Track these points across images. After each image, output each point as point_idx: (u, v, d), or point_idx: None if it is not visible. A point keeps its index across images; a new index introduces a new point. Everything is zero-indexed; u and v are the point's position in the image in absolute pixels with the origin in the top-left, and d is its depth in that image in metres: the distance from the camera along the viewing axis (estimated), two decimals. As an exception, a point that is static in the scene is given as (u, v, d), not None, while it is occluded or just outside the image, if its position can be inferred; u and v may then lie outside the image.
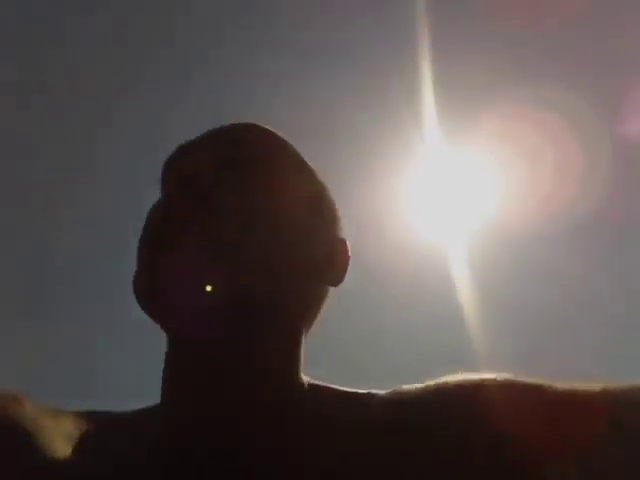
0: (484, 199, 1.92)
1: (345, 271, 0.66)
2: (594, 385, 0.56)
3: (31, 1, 2.55)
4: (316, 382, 0.63)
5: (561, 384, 0.57)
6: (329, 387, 0.63)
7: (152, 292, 0.58)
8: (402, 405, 0.59)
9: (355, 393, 0.62)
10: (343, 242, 0.67)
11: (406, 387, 0.61)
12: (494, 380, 0.58)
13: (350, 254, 0.67)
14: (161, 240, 0.58)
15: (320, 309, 0.65)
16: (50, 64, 2.65)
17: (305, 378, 0.62)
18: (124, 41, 2.65)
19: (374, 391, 0.62)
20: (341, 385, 0.64)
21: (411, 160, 2.00)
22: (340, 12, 2.40)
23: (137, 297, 0.60)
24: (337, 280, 0.66)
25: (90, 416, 0.63)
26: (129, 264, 0.61)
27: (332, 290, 0.66)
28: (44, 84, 2.66)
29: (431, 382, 0.60)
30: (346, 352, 2.61)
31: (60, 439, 0.59)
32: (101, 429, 0.62)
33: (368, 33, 2.39)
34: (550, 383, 0.57)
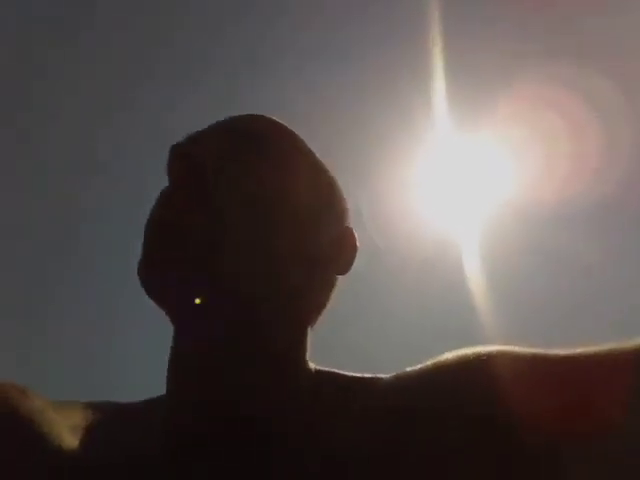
0: (497, 185, 1.91)
1: (353, 260, 0.66)
2: (596, 348, 0.54)
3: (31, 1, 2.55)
4: (322, 368, 0.63)
5: (566, 351, 0.55)
6: (335, 372, 0.63)
7: (152, 281, 0.58)
8: (403, 389, 0.58)
9: (360, 378, 0.62)
10: (350, 231, 0.67)
11: (408, 369, 0.61)
12: (494, 352, 0.57)
13: (357, 243, 0.67)
14: (161, 232, 0.58)
15: (328, 297, 0.65)
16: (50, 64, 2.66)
17: (311, 365, 0.62)
18: (126, 40, 2.64)
19: (378, 375, 0.62)
20: (351, 371, 0.64)
21: (422, 146, 1.99)
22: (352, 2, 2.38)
23: (140, 282, 0.60)
24: (344, 269, 0.66)
25: (97, 406, 0.63)
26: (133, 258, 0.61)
27: (345, 278, 0.66)
28: (44, 84, 2.66)
29: (429, 362, 0.60)
30: (358, 339, 2.62)
31: (67, 430, 0.59)
32: (108, 419, 0.62)
33: (379, 19, 2.37)
34: (554, 351, 0.55)
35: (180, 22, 2.66)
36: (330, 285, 0.66)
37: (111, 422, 0.61)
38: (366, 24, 2.40)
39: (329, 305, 0.66)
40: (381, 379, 0.62)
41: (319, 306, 0.65)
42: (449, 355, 0.59)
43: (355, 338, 2.60)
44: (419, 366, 0.60)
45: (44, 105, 2.68)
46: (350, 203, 0.70)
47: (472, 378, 0.56)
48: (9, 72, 2.57)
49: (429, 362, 0.60)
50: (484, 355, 0.57)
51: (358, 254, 0.67)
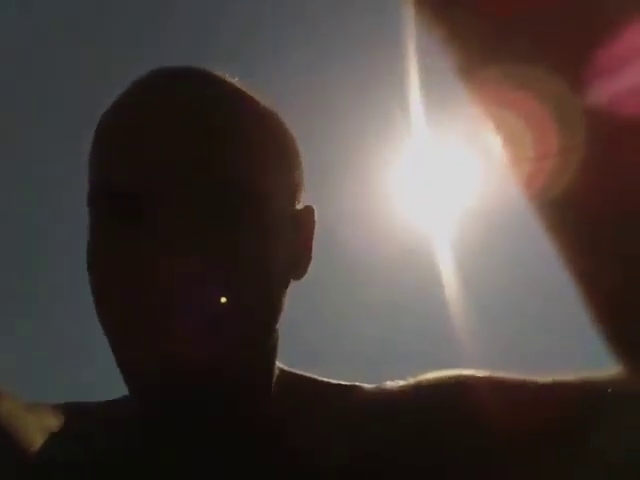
0: (469, 185, 1.92)
1: (308, 265, 0.60)
2: (575, 376, 0.56)
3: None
4: (292, 370, 0.62)
5: (542, 378, 0.57)
6: (306, 376, 0.62)
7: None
8: (384, 400, 0.59)
9: (336, 384, 0.62)
10: (309, 243, 0.60)
11: (389, 383, 0.61)
12: (473, 376, 0.58)
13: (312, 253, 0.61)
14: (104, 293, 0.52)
15: (284, 301, 0.59)
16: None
17: (278, 365, 0.61)
18: (123, 38, 2.61)
19: (358, 384, 0.62)
20: (322, 375, 0.63)
21: (396, 147, 2.00)
22: (328, 7, 2.38)
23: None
24: (302, 275, 0.60)
25: (68, 408, 0.63)
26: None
27: (319, 278, 0.64)
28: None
29: (412, 379, 0.60)
30: (330, 338, 2.62)
31: (39, 433, 0.58)
32: (79, 420, 0.61)
33: (354, 24, 2.38)
34: (531, 377, 0.58)
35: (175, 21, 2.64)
36: (285, 290, 0.58)
37: (81, 422, 0.61)
38: (341, 28, 2.40)
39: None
40: (361, 388, 0.61)
41: (279, 313, 0.58)
42: (431, 374, 0.60)
43: (325, 337, 2.61)
44: (401, 382, 0.61)
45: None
46: (319, 206, 0.62)
47: (453, 399, 0.57)
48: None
49: (411, 379, 0.61)
50: (465, 378, 0.58)
51: (324, 257, 0.63)
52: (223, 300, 0.51)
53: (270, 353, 0.59)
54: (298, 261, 0.59)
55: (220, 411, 0.53)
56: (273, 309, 0.56)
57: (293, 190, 0.59)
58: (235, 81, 0.58)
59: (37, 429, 0.59)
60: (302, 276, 0.60)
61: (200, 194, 0.51)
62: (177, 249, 0.49)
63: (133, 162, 0.51)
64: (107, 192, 0.52)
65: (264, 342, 0.57)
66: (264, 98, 0.59)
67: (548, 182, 0.32)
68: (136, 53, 2.56)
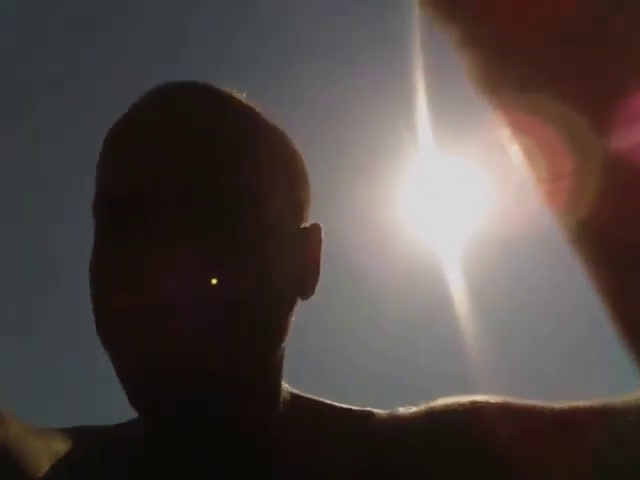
0: (480, 206, 1.92)
1: (316, 284, 0.59)
2: (590, 402, 0.55)
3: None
4: (301, 394, 0.61)
5: (556, 404, 0.56)
6: (316, 400, 0.61)
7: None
8: (396, 427, 0.58)
9: (348, 409, 0.61)
10: (316, 261, 0.59)
11: (401, 410, 0.60)
12: (487, 402, 0.57)
13: (320, 271, 0.59)
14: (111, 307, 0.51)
15: (290, 319, 0.57)
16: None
17: (287, 389, 0.59)
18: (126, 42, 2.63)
19: (370, 410, 0.61)
20: (332, 395, 0.62)
21: (404, 166, 2.00)
22: (336, 19, 2.40)
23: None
24: (310, 294, 0.59)
25: (75, 432, 0.62)
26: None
27: (329, 297, 0.63)
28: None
29: (424, 406, 0.59)
30: (339, 356, 2.60)
31: (45, 457, 0.58)
32: (86, 445, 0.60)
33: (363, 40, 2.39)
34: (547, 403, 0.56)
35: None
36: (292, 310, 0.57)
37: (89, 447, 0.60)
38: (349, 44, 2.42)
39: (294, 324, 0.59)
40: (372, 414, 0.60)
41: (285, 334, 0.57)
42: (444, 400, 0.59)
43: (333, 357, 2.59)
44: (413, 409, 0.60)
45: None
46: (327, 224, 0.61)
47: (466, 426, 0.56)
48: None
49: (423, 406, 0.60)
50: (479, 404, 0.57)
51: (333, 275, 0.62)
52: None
53: (274, 370, 0.58)
54: (305, 280, 0.58)
55: (220, 416, 0.52)
56: (277, 324, 0.55)
57: (298, 207, 0.58)
58: (241, 96, 0.58)
59: (44, 454, 0.58)
60: (310, 295, 0.59)
61: (202, 202, 0.51)
62: (177, 253, 0.49)
63: (136, 170, 0.52)
64: (110, 198, 0.53)
65: (267, 355, 0.56)
66: (271, 114, 0.59)
67: (568, 203, 0.31)
68: (147, 68, 2.58)
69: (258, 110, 0.58)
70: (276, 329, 0.55)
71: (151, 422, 0.53)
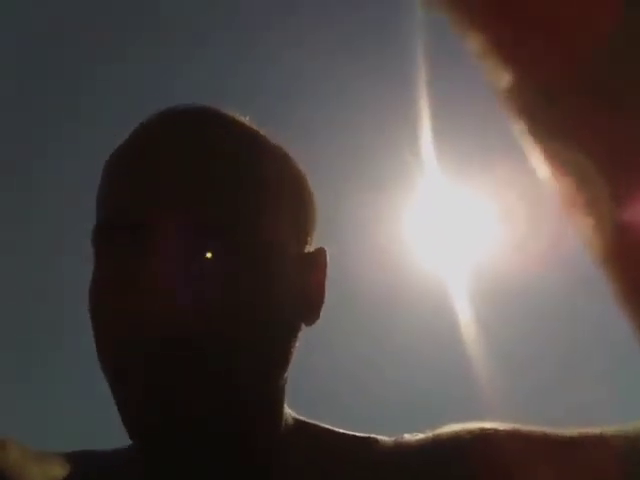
0: (486, 233, 1.92)
1: (320, 309, 0.58)
2: (602, 429, 0.54)
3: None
4: (304, 419, 0.60)
5: (568, 430, 0.55)
6: (319, 426, 0.60)
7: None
8: (402, 453, 0.57)
9: (352, 435, 0.60)
10: (320, 286, 0.58)
11: (407, 436, 0.59)
12: (495, 429, 0.56)
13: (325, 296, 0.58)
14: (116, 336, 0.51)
15: (294, 345, 0.57)
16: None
17: (290, 413, 0.58)
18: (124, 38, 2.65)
19: (374, 436, 0.60)
20: (332, 421, 0.61)
21: (411, 193, 2.00)
22: (339, 40, 2.42)
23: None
24: (314, 320, 0.58)
25: (75, 457, 0.61)
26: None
27: (334, 320, 0.62)
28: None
29: (431, 432, 0.58)
30: (343, 383, 2.58)
31: None
32: (86, 470, 0.60)
33: (366, 66, 2.41)
34: (556, 430, 0.55)
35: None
36: (297, 335, 0.57)
37: (90, 472, 0.59)
38: (351, 71, 2.44)
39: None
40: (377, 440, 0.59)
41: (289, 360, 0.56)
42: (451, 427, 0.58)
43: (339, 380, 2.57)
44: (420, 435, 0.59)
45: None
46: (332, 251, 0.60)
47: (474, 453, 0.55)
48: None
49: (430, 433, 0.59)
50: (488, 431, 0.56)
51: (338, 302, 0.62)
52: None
53: (277, 397, 0.57)
54: (309, 305, 0.57)
55: (221, 445, 0.52)
56: (280, 352, 0.55)
57: (303, 231, 0.58)
58: (245, 120, 0.58)
59: (43, 478, 0.57)
60: (314, 321, 0.58)
61: (201, 229, 0.51)
62: (177, 280, 0.49)
63: (137, 196, 0.52)
64: (110, 224, 0.53)
65: (270, 383, 0.55)
66: (275, 138, 0.59)
67: (587, 238, 0.30)
68: (147, 93, 2.60)
69: (262, 133, 0.58)
70: (279, 357, 0.55)
71: (150, 451, 0.52)
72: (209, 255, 0.51)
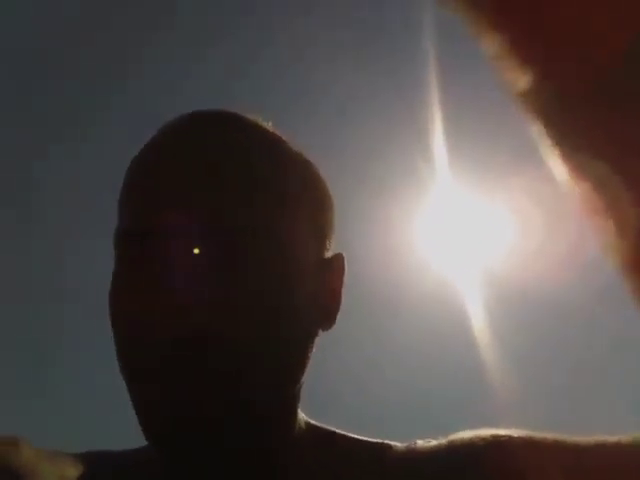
0: (497, 238, 1.91)
1: (337, 315, 0.58)
2: (619, 438, 0.53)
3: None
4: (317, 424, 0.60)
5: (582, 438, 0.55)
6: (332, 430, 0.60)
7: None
8: (415, 460, 0.57)
9: (365, 441, 0.60)
10: (338, 292, 0.58)
11: (420, 442, 0.59)
12: (509, 435, 0.56)
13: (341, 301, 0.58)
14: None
15: (311, 351, 0.57)
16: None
17: (303, 418, 0.58)
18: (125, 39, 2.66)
19: (388, 442, 0.60)
20: (344, 425, 0.61)
21: (423, 198, 2.00)
22: (350, 45, 2.42)
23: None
24: (331, 326, 0.58)
25: (90, 457, 0.61)
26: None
27: (348, 326, 0.61)
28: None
29: (444, 439, 0.58)
30: (355, 388, 2.58)
31: None
32: (101, 470, 0.60)
33: (378, 68, 2.41)
34: (570, 437, 0.55)
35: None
36: (314, 341, 0.57)
37: (103, 472, 0.59)
38: (364, 77, 2.44)
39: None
40: (391, 446, 0.59)
41: (305, 365, 0.56)
42: (464, 434, 0.58)
43: (351, 385, 2.57)
44: (433, 442, 0.59)
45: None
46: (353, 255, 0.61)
47: (487, 460, 0.55)
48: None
49: (442, 439, 0.58)
50: (501, 437, 0.56)
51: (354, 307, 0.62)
52: (232, 315, 0.50)
53: (292, 401, 0.57)
54: (326, 311, 0.57)
55: (235, 448, 0.52)
56: (297, 358, 0.55)
57: (321, 237, 0.58)
58: (266, 125, 0.58)
59: (56, 478, 0.58)
60: (330, 327, 0.58)
61: (218, 236, 0.51)
62: (195, 287, 0.49)
63: (152, 201, 0.52)
64: (130, 231, 0.53)
65: (286, 388, 0.55)
66: (295, 143, 0.59)
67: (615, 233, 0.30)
68: (171, 94, 2.61)
69: (283, 139, 0.57)
70: (295, 361, 0.55)
71: (165, 452, 0.52)
72: (223, 258, 0.51)
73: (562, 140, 0.30)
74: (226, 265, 0.50)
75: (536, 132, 0.30)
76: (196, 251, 0.50)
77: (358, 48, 2.43)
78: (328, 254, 0.59)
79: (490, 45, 0.29)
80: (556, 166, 0.30)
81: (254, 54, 2.66)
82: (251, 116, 0.58)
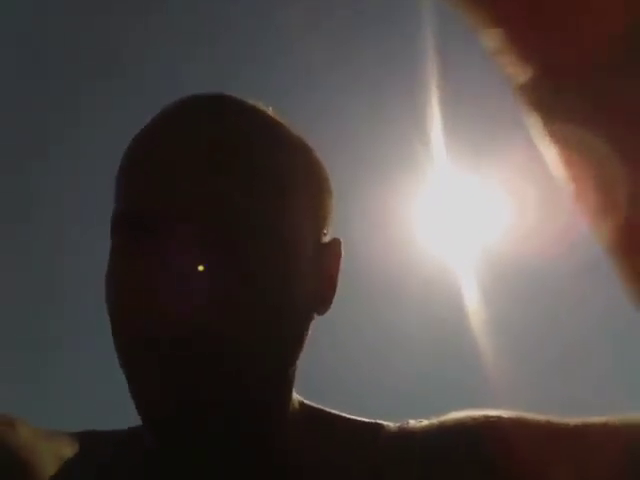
0: (494, 219, 1.91)
1: (332, 299, 0.58)
2: (607, 418, 0.54)
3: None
4: (311, 404, 0.60)
5: (572, 419, 0.55)
6: (325, 410, 0.61)
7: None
8: (407, 439, 0.57)
9: (358, 421, 0.61)
10: (334, 277, 0.58)
11: (412, 422, 0.60)
12: (499, 416, 0.57)
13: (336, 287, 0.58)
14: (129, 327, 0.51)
15: (306, 336, 0.57)
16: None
17: (295, 397, 0.59)
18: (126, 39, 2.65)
19: (380, 422, 0.60)
20: (342, 407, 0.62)
21: (419, 180, 2.00)
22: (349, 30, 2.41)
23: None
24: (326, 310, 0.58)
25: (86, 436, 0.62)
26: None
27: (342, 307, 0.60)
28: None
29: (436, 419, 0.59)
30: (351, 369, 2.59)
31: (56, 463, 0.58)
32: (97, 449, 0.60)
33: (376, 53, 2.40)
34: (560, 418, 0.56)
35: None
36: (309, 325, 0.57)
37: (99, 451, 0.60)
38: (363, 57, 2.43)
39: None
40: (383, 426, 0.60)
41: (300, 349, 0.56)
42: (456, 414, 0.58)
43: (347, 368, 2.58)
44: (425, 422, 0.59)
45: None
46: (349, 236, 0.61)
47: (478, 440, 0.55)
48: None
49: (434, 419, 0.59)
50: (492, 418, 0.57)
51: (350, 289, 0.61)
52: (230, 300, 0.50)
53: (287, 384, 0.57)
54: (322, 295, 0.57)
55: (232, 431, 0.52)
56: (294, 342, 0.55)
57: (320, 222, 0.57)
58: (267, 109, 0.57)
59: (53, 457, 0.58)
60: (326, 310, 0.58)
61: (217, 221, 0.50)
62: (193, 271, 0.49)
63: (154, 188, 0.51)
64: (127, 215, 0.52)
65: (281, 371, 0.55)
66: (295, 127, 0.58)
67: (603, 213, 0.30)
68: (171, 77, 2.60)
69: (284, 124, 0.57)
70: (292, 349, 0.55)
71: (163, 438, 0.52)
72: (225, 256, 0.50)
73: (558, 120, 0.30)
74: (227, 263, 0.50)
75: (531, 116, 0.31)
76: (196, 249, 0.50)
77: (356, 32, 2.42)
78: (326, 239, 0.58)
79: (489, 39, 0.29)
80: (549, 147, 0.31)
81: (253, 37, 2.64)
82: (251, 100, 0.57)
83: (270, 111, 0.57)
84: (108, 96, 2.64)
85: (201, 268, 0.49)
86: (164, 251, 0.49)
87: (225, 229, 0.50)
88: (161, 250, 0.50)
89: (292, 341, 0.54)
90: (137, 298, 0.50)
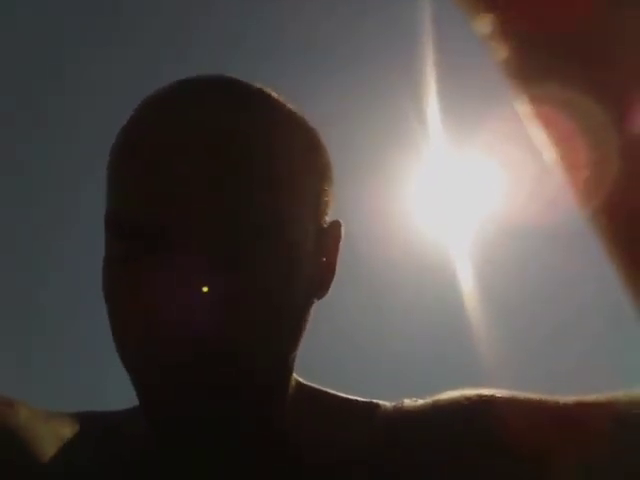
0: (489, 197, 1.92)
1: (330, 284, 0.57)
2: (597, 396, 0.55)
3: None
4: (309, 383, 0.61)
5: (563, 398, 0.56)
6: (322, 390, 0.61)
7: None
8: (402, 419, 0.58)
9: (354, 400, 0.61)
10: (333, 261, 0.57)
11: (407, 402, 0.60)
12: (492, 395, 0.57)
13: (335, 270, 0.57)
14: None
15: (306, 323, 0.56)
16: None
17: (295, 378, 0.59)
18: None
19: (376, 401, 0.61)
20: (339, 388, 0.62)
21: (415, 158, 1.99)
22: (345, 15, 2.39)
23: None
24: (324, 294, 0.57)
25: (85, 416, 0.62)
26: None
27: (338, 289, 0.59)
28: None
29: (430, 398, 0.59)
30: (348, 352, 2.61)
31: (55, 443, 0.58)
32: (96, 430, 0.61)
33: (371, 33, 2.38)
34: (552, 397, 0.56)
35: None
36: (309, 308, 0.56)
37: (98, 432, 0.60)
38: (359, 37, 2.41)
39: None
40: (379, 405, 0.60)
41: (301, 334, 0.56)
42: (450, 393, 0.59)
43: (343, 350, 2.60)
44: (420, 401, 0.60)
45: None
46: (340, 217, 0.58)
47: (472, 418, 0.56)
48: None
49: (429, 398, 0.59)
50: (485, 397, 0.57)
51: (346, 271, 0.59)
52: (231, 292, 0.49)
53: (288, 369, 0.58)
54: (322, 280, 0.57)
55: (235, 416, 0.52)
56: (295, 327, 0.54)
57: (321, 207, 0.56)
58: (270, 92, 0.54)
59: (52, 438, 0.58)
60: (324, 295, 0.57)
61: (217, 228, 0.48)
62: (193, 283, 0.47)
63: (150, 188, 0.49)
64: (122, 217, 0.50)
65: (283, 357, 0.55)
66: (294, 106, 0.55)
67: (589, 187, 0.31)
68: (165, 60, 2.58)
69: (288, 107, 0.54)
70: (293, 332, 0.54)
71: (165, 426, 0.52)
72: (228, 260, 0.49)
73: (541, 79, 0.31)
74: (231, 267, 0.49)
75: (516, 89, 0.31)
76: (200, 253, 0.48)
77: (352, 10, 2.40)
78: (325, 223, 0.57)
79: (481, 25, 0.30)
80: (535, 116, 0.31)
81: (249, 11, 2.62)
82: (250, 82, 0.54)
83: (271, 91, 0.54)
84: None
85: (215, 290, 0.48)
86: (178, 269, 0.47)
87: (230, 242, 0.49)
88: (173, 267, 0.47)
89: (293, 332, 0.54)
90: (138, 311, 0.49)
